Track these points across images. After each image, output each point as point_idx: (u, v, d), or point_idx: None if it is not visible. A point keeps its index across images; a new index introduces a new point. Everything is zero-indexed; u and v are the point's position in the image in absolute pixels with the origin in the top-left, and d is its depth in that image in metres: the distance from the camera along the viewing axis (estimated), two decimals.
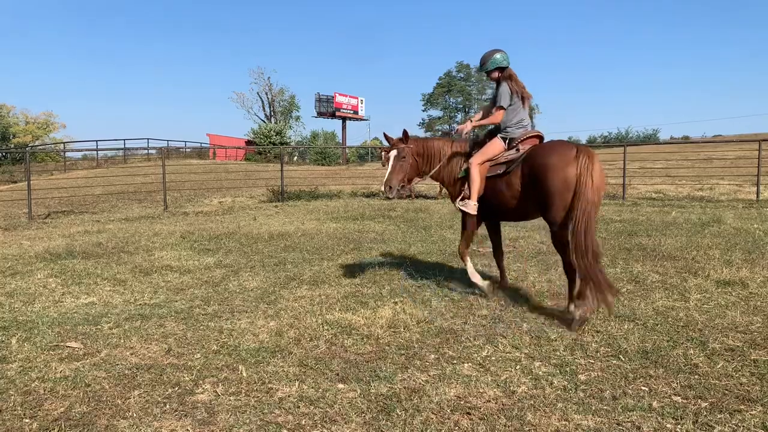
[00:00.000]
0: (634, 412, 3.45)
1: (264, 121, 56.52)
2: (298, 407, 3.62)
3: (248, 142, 48.63)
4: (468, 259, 6.16)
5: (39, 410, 3.63)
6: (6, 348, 4.70)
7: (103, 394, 3.85)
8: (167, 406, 3.66)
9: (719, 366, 4.08)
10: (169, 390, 3.89)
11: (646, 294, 5.97)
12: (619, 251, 8.26)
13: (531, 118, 6.45)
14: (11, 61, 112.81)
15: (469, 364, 4.25)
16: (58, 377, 4.11)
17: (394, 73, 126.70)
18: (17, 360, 4.45)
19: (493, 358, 4.35)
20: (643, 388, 3.78)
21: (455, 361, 4.30)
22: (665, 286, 6.26)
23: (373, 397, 3.72)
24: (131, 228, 12.20)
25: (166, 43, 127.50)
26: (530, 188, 5.29)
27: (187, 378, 4.07)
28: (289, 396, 3.77)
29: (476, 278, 6.07)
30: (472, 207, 5.79)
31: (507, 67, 5.92)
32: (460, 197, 5.93)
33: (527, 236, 9.76)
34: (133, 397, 3.78)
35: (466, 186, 5.91)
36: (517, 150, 5.70)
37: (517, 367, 4.16)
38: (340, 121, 55.00)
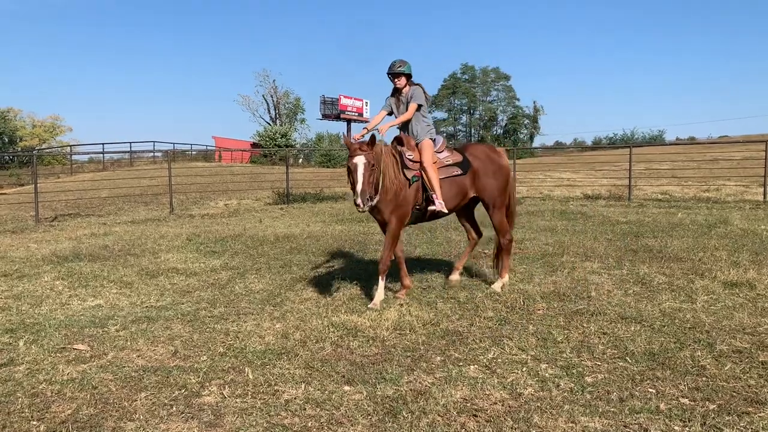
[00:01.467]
0: (642, 414, 3.44)
1: (269, 124, 56.59)
2: (305, 409, 3.62)
3: (254, 145, 48.68)
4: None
5: (46, 412, 3.64)
6: (14, 350, 4.73)
7: (110, 396, 3.86)
8: (174, 408, 3.67)
9: (727, 368, 4.06)
10: (176, 392, 3.90)
11: (652, 295, 5.95)
12: (625, 252, 8.24)
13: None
14: (19, 65, 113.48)
15: (476, 366, 4.25)
16: (66, 379, 4.13)
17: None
18: (25, 362, 4.47)
19: (500, 360, 4.34)
20: (650, 390, 3.77)
21: (461, 363, 4.29)
22: (672, 287, 6.23)
23: (379, 399, 3.72)
24: (137, 231, 12.23)
25: (172, 46, 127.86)
26: (482, 184, 6.34)
27: (193, 380, 4.07)
28: (295, 398, 3.77)
29: (381, 296, 5.94)
30: (444, 205, 5.98)
31: (412, 77, 6.34)
32: (438, 200, 5.96)
33: (534, 238, 9.74)
34: (140, 400, 3.79)
35: (432, 189, 5.96)
36: (453, 152, 6.35)
37: (524, 369, 4.15)
38: (345, 123, 55.01)
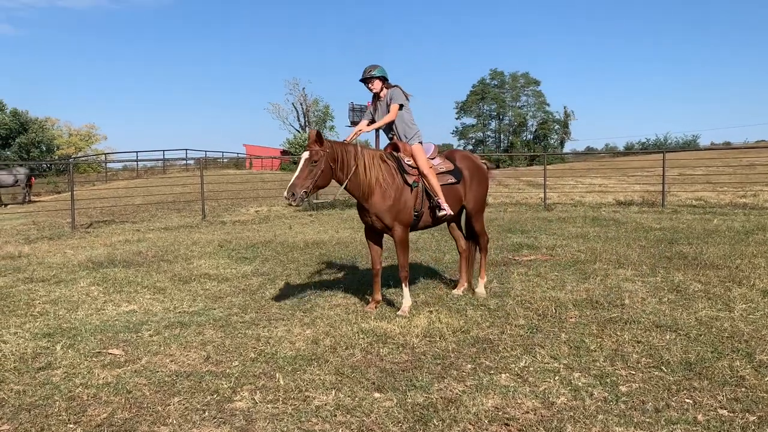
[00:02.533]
0: (679, 425, 3.36)
1: (299, 131, 56.89)
2: (335, 416, 3.63)
3: (284, 152, 49.04)
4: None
5: (83, 416, 3.71)
6: (51, 354, 4.83)
7: (144, 400, 3.92)
8: (206, 413, 3.71)
9: (767, 378, 3.95)
10: (208, 397, 3.94)
11: (688, 304, 5.83)
12: (659, 259, 8.09)
13: None
14: (55, 76, 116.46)
15: (507, 374, 4.21)
16: (101, 383, 4.20)
17: (427, 82, 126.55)
18: (62, 366, 4.56)
19: (531, 368, 4.29)
20: (687, 400, 3.69)
21: (492, 372, 4.26)
22: (708, 295, 6.10)
23: (409, 407, 3.71)
24: (170, 237, 12.42)
25: (204, 55, 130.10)
26: (471, 192, 6.42)
27: (225, 385, 4.11)
28: (325, 404, 3.78)
29: (408, 302, 5.92)
30: (449, 208, 6.00)
31: (388, 79, 6.24)
32: (445, 203, 5.93)
33: (565, 245, 9.63)
34: (173, 404, 3.84)
35: (436, 194, 5.92)
36: (444, 159, 6.31)
37: (556, 377, 4.10)
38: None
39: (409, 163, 5.99)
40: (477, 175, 6.53)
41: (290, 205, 5.53)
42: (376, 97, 6.29)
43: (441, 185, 6.03)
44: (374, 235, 6.12)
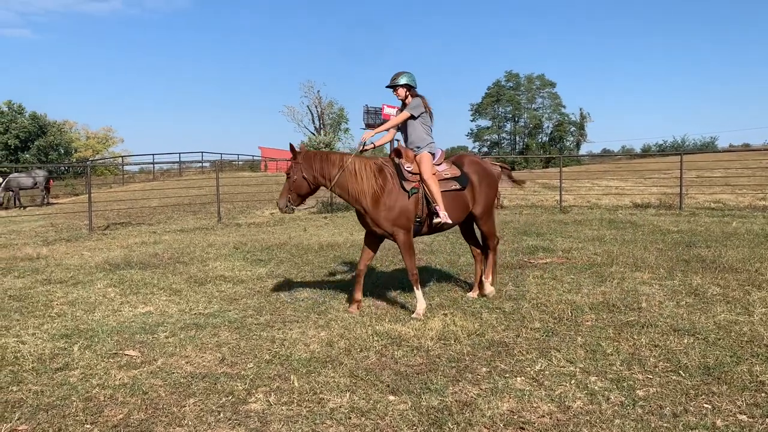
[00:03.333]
0: (697, 431, 3.32)
1: (314, 134, 57.11)
2: (350, 418, 3.62)
3: None
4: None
5: (99, 416, 3.74)
6: (69, 355, 4.87)
7: (160, 401, 3.94)
8: (221, 415, 3.72)
9: None
10: (223, 399, 3.95)
11: (706, 307, 5.76)
12: (677, 263, 8.01)
13: None
14: (73, 79, 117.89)
15: (522, 378, 4.18)
16: (117, 384, 4.23)
17: (442, 84, 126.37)
18: (79, 367, 4.60)
19: (547, 372, 4.26)
20: (705, 405, 3.64)
21: (508, 375, 4.23)
22: (727, 299, 6.02)
23: (424, 410, 3.70)
24: (186, 239, 12.50)
25: (219, 58, 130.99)
26: (480, 197, 6.38)
27: (240, 387, 4.12)
28: (340, 407, 3.78)
29: (422, 305, 5.89)
30: (448, 216, 5.95)
31: (415, 88, 6.27)
32: (442, 211, 5.88)
33: (581, 248, 9.56)
34: (189, 406, 3.86)
35: (435, 201, 5.88)
36: (451, 165, 6.28)
37: (572, 381, 4.07)
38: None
39: (409, 169, 5.98)
40: (486, 180, 6.48)
41: (282, 212, 6.05)
42: (403, 104, 6.32)
43: (444, 191, 6.00)
44: (372, 239, 6.17)
